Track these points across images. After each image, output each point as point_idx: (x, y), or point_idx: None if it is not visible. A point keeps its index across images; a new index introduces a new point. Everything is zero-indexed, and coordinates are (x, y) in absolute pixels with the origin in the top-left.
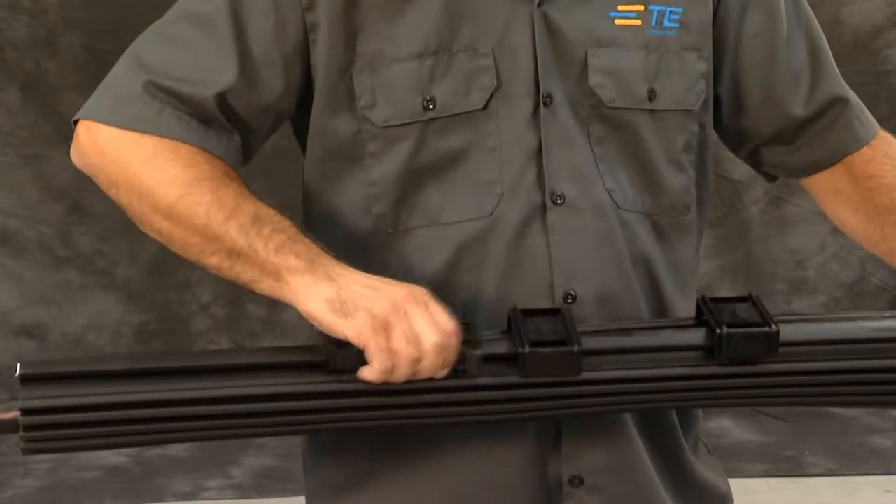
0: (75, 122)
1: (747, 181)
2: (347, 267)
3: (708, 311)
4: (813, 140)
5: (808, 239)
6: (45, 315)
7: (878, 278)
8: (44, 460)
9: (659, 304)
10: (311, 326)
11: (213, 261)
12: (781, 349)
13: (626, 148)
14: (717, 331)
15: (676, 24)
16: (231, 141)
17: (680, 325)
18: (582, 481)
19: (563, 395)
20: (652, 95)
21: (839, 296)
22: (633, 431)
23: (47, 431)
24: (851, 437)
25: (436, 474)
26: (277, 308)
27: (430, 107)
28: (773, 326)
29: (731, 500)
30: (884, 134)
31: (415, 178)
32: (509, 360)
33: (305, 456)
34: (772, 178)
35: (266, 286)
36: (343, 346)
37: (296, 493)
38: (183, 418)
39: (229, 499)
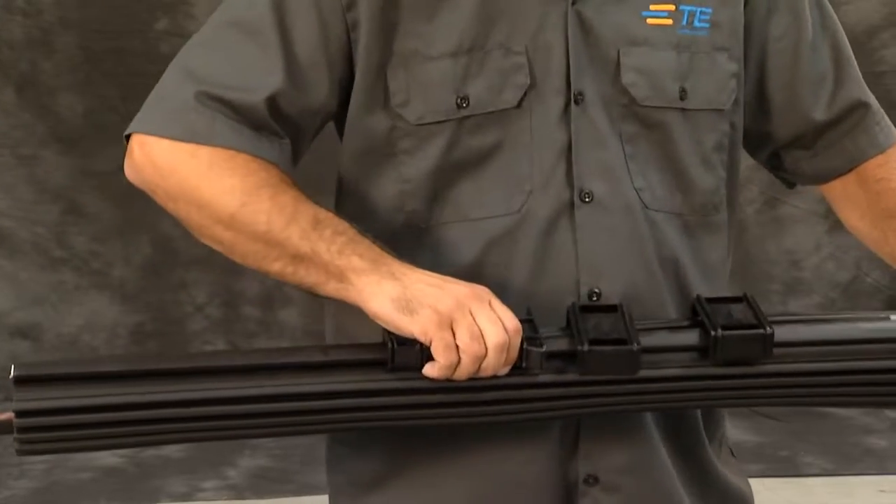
0: (127, 137)
1: (743, 181)
2: (410, 265)
3: (703, 312)
4: (832, 145)
5: (804, 239)
6: (41, 316)
7: (872, 278)
8: (39, 461)
9: (686, 305)
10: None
11: (276, 267)
12: (776, 350)
13: (658, 147)
14: (712, 333)
15: (707, 24)
16: (282, 146)
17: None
18: (597, 480)
19: (620, 392)
20: (683, 94)
21: (834, 296)
22: (653, 432)
23: (42, 433)
24: (847, 437)
25: (459, 472)
26: (272, 308)
27: (464, 105)
28: (768, 328)
29: (753, 503)
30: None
31: (447, 175)
32: (568, 357)
33: (329, 453)
34: (790, 185)
35: (331, 288)
36: (405, 343)
37: (291, 493)
38: (215, 417)
39: (225, 499)
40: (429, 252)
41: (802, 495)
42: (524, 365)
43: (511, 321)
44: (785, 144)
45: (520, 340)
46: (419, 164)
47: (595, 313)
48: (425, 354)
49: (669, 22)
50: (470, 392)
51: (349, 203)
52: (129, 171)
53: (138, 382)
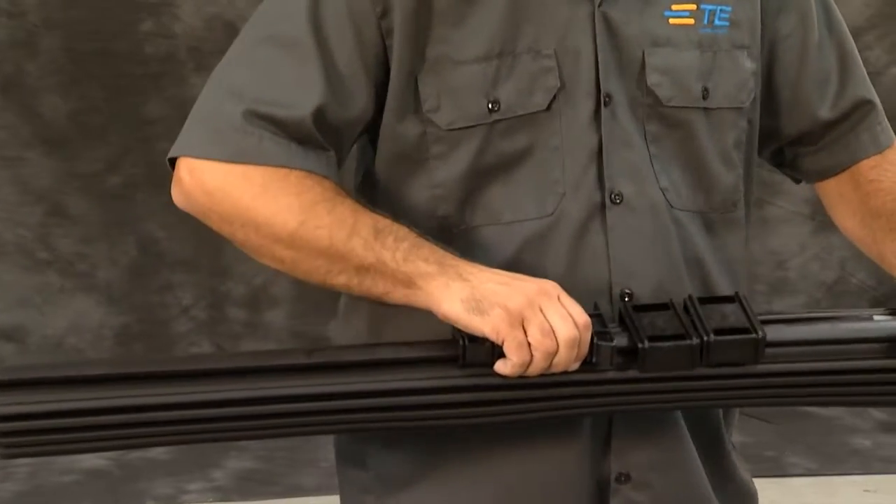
0: (171, 161)
1: None
2: (476, 265)
3: (696, 315)
4: (835, 142)
5: (789, 240)
6: (25, 318)
7: (857, 279)
8: (23, 464)
9: None
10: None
11: (341, 280)
12: (767, 350)
13: (681, 146)
14: (705, 338)
15: (727, 23)
16: (329, 158)
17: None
18: (629, 478)
19: (680, 389)
20: (706, 93)
21: (819, 296)
22: (684, 430)
23: (25, 437)
24: (832, 437)
25: (490, 471)
26: (258, 310)
27: (495, 109)
28: (760, 332)
29: (758, 501)
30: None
31: (478, 179)
32: (630, 353)
33: (350, 450)
34: (796, 180)
35: (399, 295)
36: (476, 340)
37: (277, 495)
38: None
39: (210, 501)
40: (462, 255)
41: (787, 495)
42: (594, 360)
43: (581, 316)
44: (790, 142)
45: (590, 335)
46: (451, 168)
47: (648, 312)
48: (496, 351)
49: (691, 21)
50: (540, 388)
51: (383, 207)
52: (179, 198)
53: (122, 385)
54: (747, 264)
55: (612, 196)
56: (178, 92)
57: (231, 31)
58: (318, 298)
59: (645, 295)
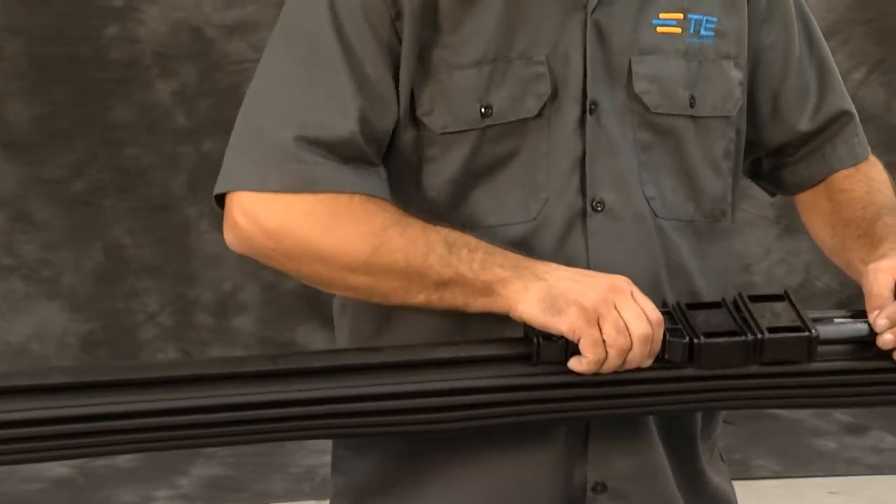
0: (218, 198)
1: None
2: (548, 263)
3: (748, 313)
4: (812, 154)
5: (754, 243)
6: None
7: (822, 282)
8: None
9: None
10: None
11: (420, 298)
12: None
13: (671, 154)
14: (759, 335)
15: (712, 33)
16: (380, 174)
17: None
18: (605, 487)
19: (736, 388)
20: (692, 102)
21: None
22: (657, 439)
23: None
24: (797, 439)
25: (466, 477)
26: (226, 316)
27: (488, 114)
28: (813, 331)
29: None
30: (874, 160)
31: (467, 183)
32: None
33: (333, 455)
34: (772, 193)
35: (479, 304)
36: (548, 338)
37: (245, 501)
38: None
39: None
40: None
41: (753, 497)
42: (666, 356)
43: (654, 313)
44: (768, 153)
45: (662, 332)
46: (442, 172)
47: (700, 310)
48: (570, 349)
49: (678, 30)
50: (614, 385)
51: None
52: (235, 242)
53: (86, 394)
54: (733, 273)
55: (594, 203)
56: (143, 97)
57: (197, 35)
58: (286, 304)
59: None
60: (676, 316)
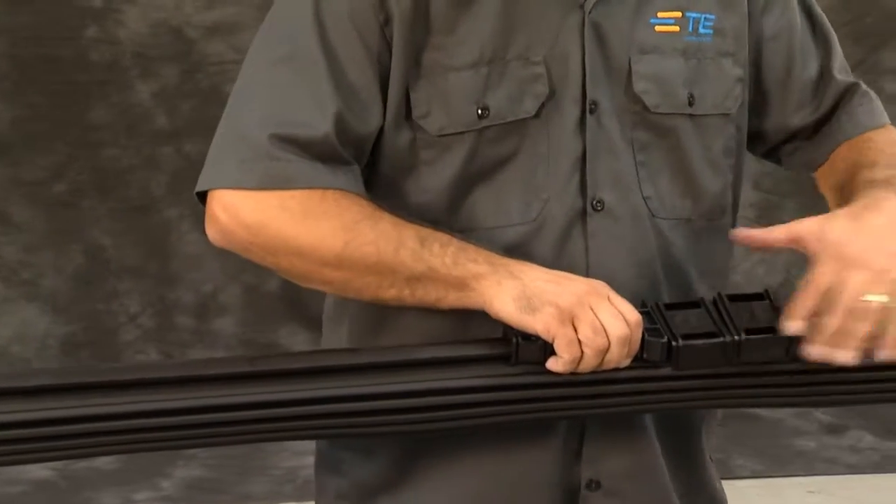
0: (200, 196)
1: None
2: (525, 263)
3: (727, 314)
4: (821, 131)
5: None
6: None
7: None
8: None
9: None
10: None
11: (392, 293)
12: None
13: (669, 153)
14: (674, 343)
15: (710, 31)
16: (355, 173)
17: None
18: (599, 485)
19: (715, 387)
20: (691, 100)
21: None
22: (654, 437)
23: None
24: (777, 439)
25: (464, 475)
26: (207, 318)
27: (485, 115)
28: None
29: None
30: (890, 127)
31: (465, 185)
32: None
33: (327, 458)
34: (800, 174)
35: (452, 299)
36: (528, 338)
37: (226, 503)
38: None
39: None
40: None
41: (733, 497)
42: (645, 356)
43: (631, 313)
44: (783, 140)
45: (641, 332)
46: (440, 174)
47: (679, 310)
48: (548, 349)
49: (676, 29)
50: (593, 385)
51: None
52: (217, 236)
53: (66, 396)
54: (729, 271)
55: (594, 203)
56: (123, 98)
57: (177, 37)
58: (267, 306)
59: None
60: (655, 316)
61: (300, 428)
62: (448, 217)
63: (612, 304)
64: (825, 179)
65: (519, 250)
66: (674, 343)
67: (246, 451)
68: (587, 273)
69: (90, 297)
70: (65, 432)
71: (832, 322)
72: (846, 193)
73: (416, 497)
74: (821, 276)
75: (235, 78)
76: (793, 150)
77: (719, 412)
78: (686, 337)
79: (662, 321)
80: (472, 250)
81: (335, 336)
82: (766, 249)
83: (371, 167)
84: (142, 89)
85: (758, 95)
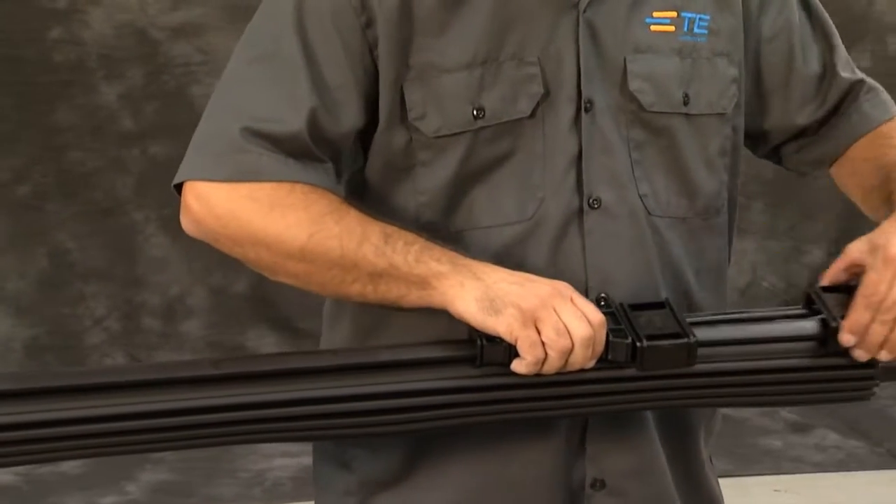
0: (177, 188)
1: None
2: (489, 264)
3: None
4: (829, 131)
5: None
6: None
7: (768, 282)
8: None
9: (689, 309)
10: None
11: (356, 288)
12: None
13: (664, 152)
14: (639, 344)
15: (705, 31)
16: (327, 170)
17: (791, 315)
18: (604, 484)
19: (679, 387)
20: (686, 100)
21: (732, 299)
22: (655, 436)
23: None
24: (744, 438)
25: (468, 471)
26: (174, 320)
27: (480, 116)
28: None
29: None
30: None
31: (461, 185)
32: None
33: (330, 455)
34: (802, 174)
35: (414, 297)
36: (492, 340)
37: None
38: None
39: None
40: None
41: None
42: (609, 357)
43: (595, 315)
44: (785, 139)
45: (605, 333)
46: (436, 175)
47: (644, 311)
48: (513, 351)
49: (672, 29)
50: (558, 386)
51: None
52: (189, 226)
53: (29, 400)
54: (727, 270)
55: (591, 201)
56: (88, 100)
57: (142, 38)
58: (235, 308)
59: (621, 299)
60: (619, 317)
61: (265, 431)
62: (445, 217)
63: (575, 305)
64: (847, 179)
65: (515, 249)
66: (638, 344)
67: (213, 454)
68: (585, 271)
69: (55, 301)
70: (27, 437)
71: (881, 331)
72: (882, 196)
73: (421, 494)
74: (872, 285)
75: (201, 79)
76: (797, 149)
77: (719, 416)
78: (650, 338)
79: (627, 322)
80: (437, 250)
81: (334, 334)
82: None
83: (366, 169)
84: (107, 91)
85: (760, 95)
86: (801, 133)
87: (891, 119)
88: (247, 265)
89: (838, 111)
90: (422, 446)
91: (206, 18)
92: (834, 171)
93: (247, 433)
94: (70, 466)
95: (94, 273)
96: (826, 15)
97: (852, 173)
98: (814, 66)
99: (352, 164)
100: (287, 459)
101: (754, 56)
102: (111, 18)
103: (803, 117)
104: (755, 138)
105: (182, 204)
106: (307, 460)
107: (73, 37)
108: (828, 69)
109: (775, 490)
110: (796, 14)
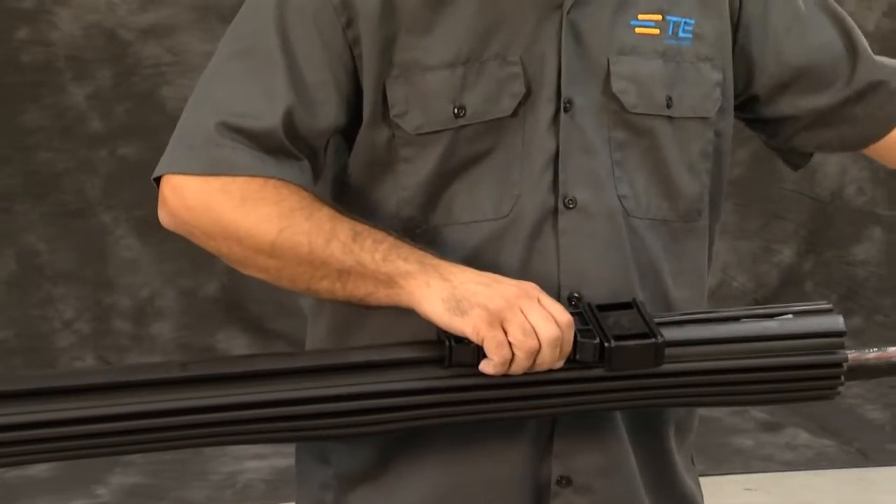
0: (156, 182)
1: None
2: (457, 265)
3: (593, 321)
4: (859, 117)
5: None
6: None
7: (738, 282)
8: None
9: (667, 311)
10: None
11: (324, 285)
12: (670, 351)
13: (646, 154)
14: (606, 344)
15: (690, 35)
16: (302, 167)
17: (758, 315)
18: (570, 481)
19: (647, 387)
20: (669, 102)
21: None
22: (624, 434)
23: None
24: (714, 438)
25: (438, 467)
26: (144, 323)
27: (461, 114)
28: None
29: None
30: None
31: (442, 181)
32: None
33: (311, 449)
34: (798, 165)
35: (381, 296)
36: (462, 341)
37: None
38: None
39: None
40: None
41: None
42: (578, 357)
43: (562, 315)
44: (809, 123)
45: (573, 333)
46: (417, 171)
47: (612, 311)
48: (481, 352)
49: (656, 32)
50: (526, 387)
51: (352, 210)
52: (165, 218)
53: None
54: (707, 273)
55: (566, 201)
56: (56, 101)
57: (111, 39)
58: (205, 310)
59: (594, 299)
60: (587, 317)
61: (234, 433)
62: (424, 213)
63: (542, 305)
64: None
65: (491, 246)
66: (606, 344)
67: (184, 457)
68: (558, 270)
69: (23, 303)
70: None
71: None
72: None
73: (395, 489)
74: None
75: (171, 80)
76: (823, 132)
77: (696, 416)
78: (618, 338)
79: (595, 322)
80: (405, 249)
81: (316, 330)
82: None
83: (350, 166)
84: (76, 92)
85: (780, 83)
86: (827, 114)
87: None
88: (222, 259)
89: (866, 100)
90: (396, 442)
91: (175, 19)
92: (878, 152)
93: (215, 435)
94: (39, 470)
95: (63, 275)
96: (839, 8)
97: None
98: (833, 44)
99: (332, 161)
100: (258, 461)
101: (762, 51)
102: (79, 19)
103: (827, 98)
104: (775, 123)
105: (159, 198)
106: (279, 462)
107: (40, 37)
108: (851, 48)
109: (746, 489)
110: (801, 3)
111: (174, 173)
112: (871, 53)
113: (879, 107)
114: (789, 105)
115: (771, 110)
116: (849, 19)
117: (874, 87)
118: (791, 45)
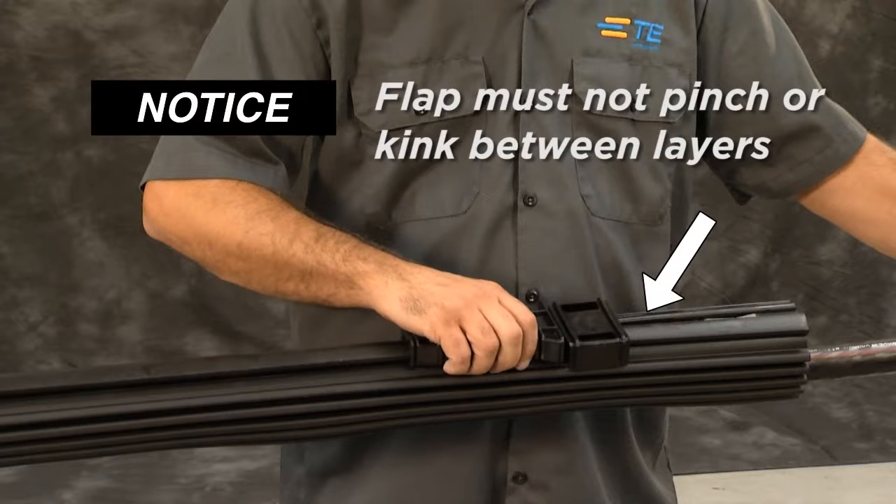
0: (142, 189)
1: None
2: (417, 265)
3: (558, 321)
4: (794, 161)
5: None
6: None
7: (706, 283)
8: None
9: (631, 311)
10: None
11: (290, 286)
12: (636, 350)
13: (609, 155)
14: (571, 344)
15: (658, 40)
16: (277, 170)
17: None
18: (526, 478)
19: (612, 387)
20: (633, 105)
21: None
22: (582, 433)
23: None
24: (682, 437)
25: (398, 463)
26: (111, 325)
27: (423, 112)
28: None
29: None
30: (872, 141)
31: (405, 178)
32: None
33: (292, 448)
34: (742, 200)
35: (343, 296)
36: (425, 341)
37: None
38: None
39: None
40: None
41: None
42: (542, 357)
43: (524, 314)
44: (747, 158)
45: (536, 333)
46: (382, 169)
47: (577, 311)
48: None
49: (623, 35)
50: (491, 387)
51: (323, 208)
52: (147, 225)
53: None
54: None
55: (526, 198)
56: (19, 103)
57: (75, 39)
58: (173, 312)
59: (552, 297)
60: (552, 317)
61: (197, 435)
62: (389, 209)
63: (502, 305)
64: (844, 201)
65: (450, 242)
66: (571, 344)
67: (152, 460)
68: (516, 267)
69: None
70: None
71: None
72: None
73: (359, 484)
74: None
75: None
76: (762, 171)
77: (664, 415)
78: (583, 338)
79: (560, 322)
80: (367, 249)
81: (293, 328)
82: None
83: (319, 164)
84: (40, 93)
85: (724, 111)
86: (786, 141)
87: (866, 143)
88: (197, 262)
89: (803, 143)
90: (363, 439)
91: (140, 20)
92: (810, 202)
93: (178, 438)
94: (4, 475)
95: (28, 278)
96: (794, 39)
97: (857, 195)
98: (788, 75)
99: (309, 163)
100: (226, 464)
101: (717, 72)
102: (43, 20)
103: (787, 119)
104: (720, 157)
105: (143, 206)
106: (247, 465)
107: (3, 38)
108: (804, 90)
109: (714, 488)
110: (766, 33)
111: (154, 180)
112: (828, 100)
113: (819, 151)
114: (730, 129)
115: (715, 131)
116: (801, 54)
117: (816, 131)
118: (739, 69)
